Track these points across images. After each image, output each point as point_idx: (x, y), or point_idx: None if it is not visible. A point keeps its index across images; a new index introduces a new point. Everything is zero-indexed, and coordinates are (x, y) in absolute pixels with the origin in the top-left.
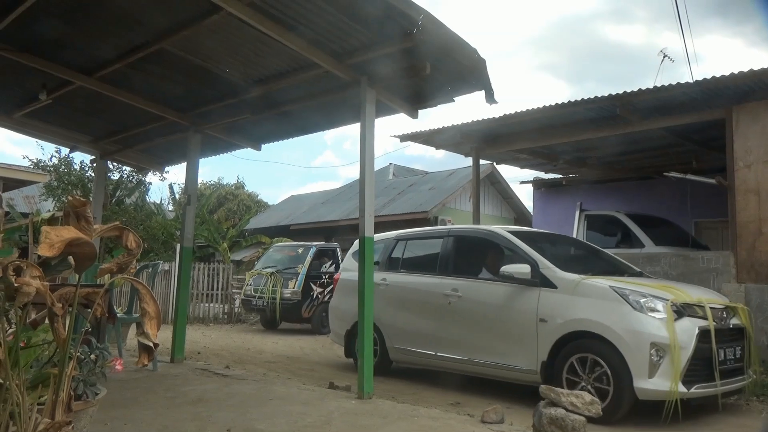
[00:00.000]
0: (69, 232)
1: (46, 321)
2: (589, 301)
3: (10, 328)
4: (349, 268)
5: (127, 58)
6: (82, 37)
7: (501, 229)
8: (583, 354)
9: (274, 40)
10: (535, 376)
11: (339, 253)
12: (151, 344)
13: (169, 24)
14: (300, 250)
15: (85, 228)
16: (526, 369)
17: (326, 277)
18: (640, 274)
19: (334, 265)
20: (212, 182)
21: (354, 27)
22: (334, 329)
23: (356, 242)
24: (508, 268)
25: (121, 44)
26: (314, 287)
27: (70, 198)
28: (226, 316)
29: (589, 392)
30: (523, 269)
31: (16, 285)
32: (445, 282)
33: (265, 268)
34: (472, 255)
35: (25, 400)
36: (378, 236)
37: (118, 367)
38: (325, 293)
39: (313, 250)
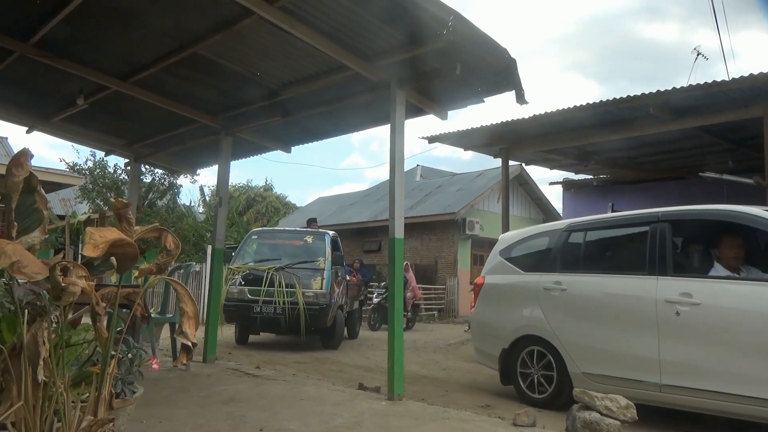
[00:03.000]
0: (112, 233)
1: (83, 320)
2: None
3: (52, 327)
4: (498, 270)
5: (161, 63)
6: (118, 42)
7: (758, 209)
8: None
9: (304, 43)
10: None
11: (340, 243)
12: (190, 344)
13: (202, 28)
14: (309, 239)
15: (127, 229)
16: None
17: (340, 274)
18: None
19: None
20: (241, 184)
21: (383, 29)
22: (482, 349)
23: (503, 237)
24: None
25: (156, 49)
26: (335, 287)
27: (112, 200)
28: None
29: None
30: None
31: (63, 285)
32: (665, 284)
33: (260, 261)
34: (705, 246)
35: (69, 398)
36: (536, 228)
37: (155, 366)
38: (340, 294)
39: (329, 239)
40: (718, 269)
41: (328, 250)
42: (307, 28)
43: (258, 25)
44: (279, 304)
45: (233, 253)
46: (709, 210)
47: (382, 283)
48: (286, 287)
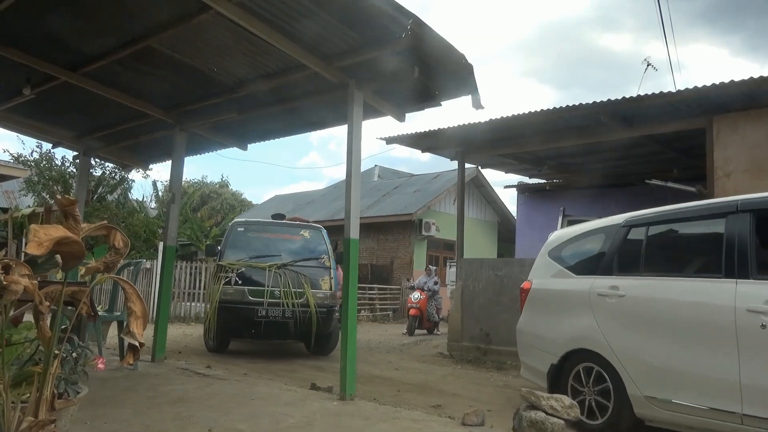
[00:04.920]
0: (57, 231)
1: (25, 318)
2: None
3: None
4: (546, 274)
5: (114, 55)
6: (69, 32)
7: None
8: None
9: (262, 41)
10: None
11: None
12: (137, 343)
13: (158, 22)
14: (306, 233)
15: (73, 227)
16: None
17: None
18: None
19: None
20: (196, 180)
21: (343, 30)
22: (528, 363)
23: (553, 236)
24: None
25: (108, 41)
26: None
27: (58, 197)
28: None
29: None
30: None
31: (5, 283)
32: (747, 289)
33: (255, 257)
34: None
35: (9, 398)
36: (590, 224)
37: (101, 365)
38: None
39: (326, 234)
40: None
41: (329, 246)
42: (266, 26)
43: (215, 21)
44: (288, 306)
45: (218, 248)
46: None
47: None
48: (291, 287)
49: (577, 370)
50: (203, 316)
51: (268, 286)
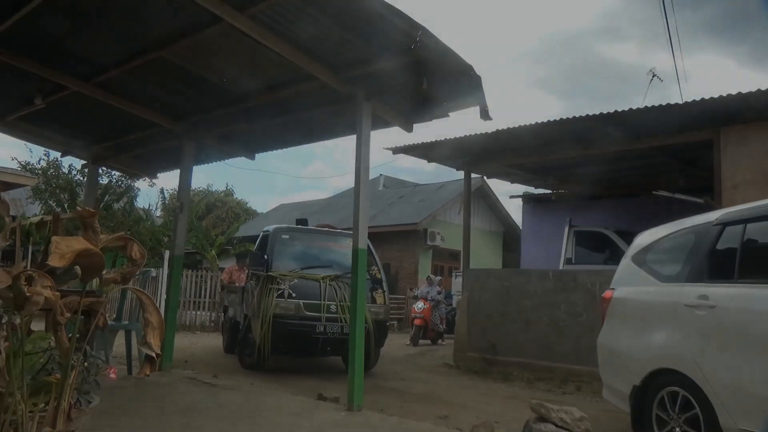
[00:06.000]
0: (79, 243)
1: (32, 327)
2: None
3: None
4: (630, 281)
5: (125, 66)
6: (81, 43)
7: None
8: None
9: (272, 52)
10: None
11: None
12: (154, 354)
13: (170, 33)
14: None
15: (92, 238)
16: None
17: None
18: None
19: None
20: (201, 189)
21: (353, 41)
22: (610, 383)
23: (638, 239)
24: None
25: (120, 51)
26: None
27: (78, 208)
28: (213, 324)
29: None
30: None
31: (27, 294)
32: None
33: (305, 268)
34: None
35: (27, 409)
36: (679, 223)
37: (113, 375)
38: None
39: (370, 244)
40: None
41: (377, 257)
42: (277, 38)
43: (226, 33)
44: (346, 322)
45: (265, 257)
46: None
47: None
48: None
49: (662, 394)
50: (209, 325)
51: (324, 300)
